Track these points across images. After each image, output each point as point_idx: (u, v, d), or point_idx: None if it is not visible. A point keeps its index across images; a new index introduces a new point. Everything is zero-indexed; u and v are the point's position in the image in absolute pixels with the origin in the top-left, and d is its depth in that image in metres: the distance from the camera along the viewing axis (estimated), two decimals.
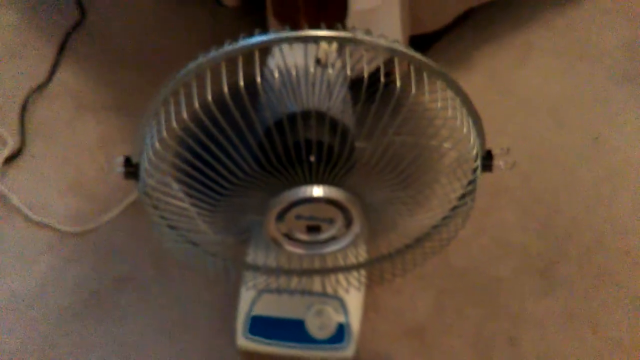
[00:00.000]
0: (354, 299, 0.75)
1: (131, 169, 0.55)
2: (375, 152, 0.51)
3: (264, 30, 0.48)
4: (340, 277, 0.69)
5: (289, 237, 0.57)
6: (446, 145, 0.51)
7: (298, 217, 0.54)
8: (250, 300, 0.75)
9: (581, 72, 1.08)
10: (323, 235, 0.57)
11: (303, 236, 0.57)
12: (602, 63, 1.08)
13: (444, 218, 0.61)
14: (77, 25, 1.15)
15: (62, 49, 1.12)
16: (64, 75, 1.08)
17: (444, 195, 0.56)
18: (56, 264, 0.86)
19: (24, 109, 1.03)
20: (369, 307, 0.79)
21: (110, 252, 0.87)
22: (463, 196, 0.58)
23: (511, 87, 1.07)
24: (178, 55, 1.05)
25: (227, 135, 0.48)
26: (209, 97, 0.46)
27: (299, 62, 0.50)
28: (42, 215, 0.91)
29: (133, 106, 1.02)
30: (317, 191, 0.52)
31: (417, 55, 0.49)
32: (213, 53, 0.47)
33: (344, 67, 0.48)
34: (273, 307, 0.74)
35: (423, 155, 0.52)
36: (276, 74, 0.49)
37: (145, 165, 0.51)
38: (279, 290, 0.72)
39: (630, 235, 0.88)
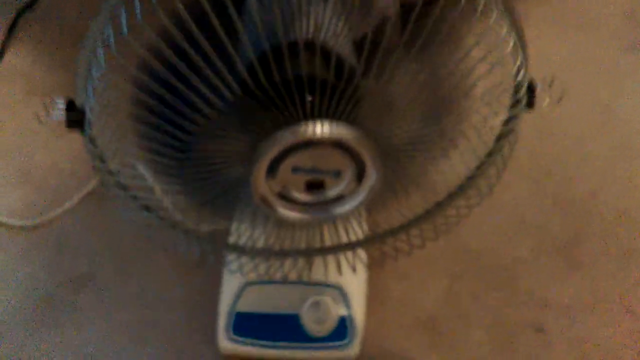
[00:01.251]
0: (356, 288, 0.65)
1: (75, 115, 0.44)
2: (387, 88, 0.41)
3: None
4: (342, 257, 0.58)
5: (283, 197, 0.45)
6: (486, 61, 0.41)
7: (295, 169, 0.43)
8: (234, 294, 0.65)
9: (580, 42, 1.02)
10: (328, 193, 0.45)
11: (302, 195, 0.46)
12: (601, 32, 1.03)
13: (480, 166, 0.51)
14: (29, 5, 1.07)
15: (11, 30, 1.04)
16: (13, 58, 1.01)
17: (485, 131, 0.46)
18: (7, 262, 0.78)
19: None
20: (373, 296, 0.70)
21: (65, 248, 0.79)
22: (500, 137, 0.48)
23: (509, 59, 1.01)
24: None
25: (203, 51, 0.37)
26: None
27: None
28: None
29: None
30: (321, 129, 0.40)
31: None
32: None
33: None
34: (261, 301, 0.64)
35: (455, 78, 0.42)
36: None
37: (92, 105, 0.40)
38: (266, 281, 0.62)
39: None
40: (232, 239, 0.55)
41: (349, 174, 0.45)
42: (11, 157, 0.87)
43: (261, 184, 0.43)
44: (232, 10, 0.35)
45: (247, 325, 0.64)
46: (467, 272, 0.76)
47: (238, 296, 0.64)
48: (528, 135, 0.88)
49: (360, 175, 0.45)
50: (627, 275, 0.76)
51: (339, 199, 0.46)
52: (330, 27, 0.42)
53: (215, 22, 0.35)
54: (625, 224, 0.80)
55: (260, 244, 0.54)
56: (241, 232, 0.53)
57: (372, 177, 0.44)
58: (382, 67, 0.41)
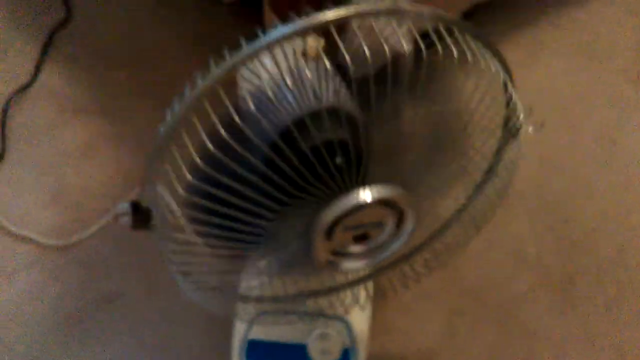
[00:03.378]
0: (360, 321, 0.69)
1: (141, 217, 0.47)
2: (398, 135, 0.46)
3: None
4: (345, 295, 0.63)
5: (336, 253, 0.51)
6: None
7: (346, 228, 0.48)
8: (246, 324, 0.69)
9: (591, 73, 1.04)
10: (377, 240, 0.51)
11: (356, 248, 0.51)
12: (613, 64, 1.05)
13: (470, 198, 0.55)
14: (62, 24, 1.10)
15: (46, 49, 1.07)
16: (47, 76, 1.04)
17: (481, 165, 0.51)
18: (36, 280, 0.82)
19: (5, 112, 0.98)
20: (377, 328, 0.73)
21: (95, 267, 0.83)
22: (490, 169, 0.53)
23: (518, 87, 1.02)
24: (167, 54, 1.02)
25: (251, 169, 0.42)
26: (221, 129, 0.40)
27: (286, 65, 0.44)
28: (22, 227, 0.86)
29: (119, 110, 0.98)
30: (368, 194, 0.46)
31: (462, 22, 0.46)
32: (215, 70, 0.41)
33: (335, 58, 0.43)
34: (272, 330, 0.68)
35: (454, 121, 0.47)
36: (287, 77, 0.43)
37: (162, 217, 0.45)
38: (278, 314, 0.66)
39: None
40: (243, 289, 0.59)
41: (390, 222, 0.50)
42: (45, 177, 0.91)
43: (321, 249, 0.48)
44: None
45: (259, 352, 0.68)
46: (466, 307, 0.78)
47: (251, 325, 0.68)
48: (534, 170, 0.90)
49: (399, 222, 0.50)
50: (620, 315, 0.78)
51: (388, 241, 0.51)
52: (330, 92, 0.47)
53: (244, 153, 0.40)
54: (621, 264, 0.82)
55: (277, 291, 0.59)
56: (259, 282, 0.57)
57: (410, 221, 0.50)
58: (385, 115, 0.46)
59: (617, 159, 0.93)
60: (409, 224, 0.50)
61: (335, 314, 0.68)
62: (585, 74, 1.03)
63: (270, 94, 0.43)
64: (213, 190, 0.43)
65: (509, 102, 0.51)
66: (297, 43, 0.46)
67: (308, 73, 0.45)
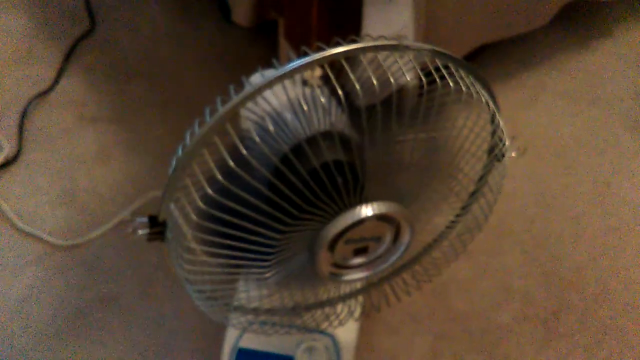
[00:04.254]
0: (347, 337, 0.71)
1: (157, 230, 0.50)
2: (391, 157, 0.49)
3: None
4: (333, 310, 0.66)
5: (337, 265, 0.54)
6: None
7: (348, 241, 0.52)
8: (237, 331, 0.71)
9: (592, 117, 1.07)
10: (377, 252, 0.55)
11: (356, 260, 0.55)
12: (614, 109, 1.08)
13: (457, 216, 0.59)
14: (86, 35, 1.15)
15: (68, 57, 1.11)
16: (68, 84, 1.07)
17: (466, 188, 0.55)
18: (41, 276, 0.84)
19: (24, 115, 1.02)
20: (363, 346, 0.76)
21: (98, 269, 0.85)
22: (475, 191, 0.56)
23: (519, 128, 1.05)
24: (185, 70, 1.06)
25: (257, 193, 0.46)
26: (230, 162, 0.44)
27: (285, 97, 0.48)
28: (32, 225, 0.88)
29: (135, 120, 1.01)
30: (368, 210, 0.50)
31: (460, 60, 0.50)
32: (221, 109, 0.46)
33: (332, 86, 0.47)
34: (261, 340, 0.70)
35: (443, 147, 0.51)
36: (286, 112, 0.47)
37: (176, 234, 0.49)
38: (267, 325, 0.69)
39: (638, 289, 0.85)
40: (236, 301, 0.63)
41: (388, 236, 0.54)
42: (59, 179, 0.94)
43: (324, 261, 0.52)
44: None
45: None
46: (451, 333, 0.80)
47: (241, 334, 0.70)
48: (528, 206, 0.93)
49: (396, 235, 0.54)
50: (600, 351, 0.79)
51: (386, 253, 0.55)
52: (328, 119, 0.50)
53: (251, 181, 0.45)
54: (606, 302, 0.83)
55: (271, 304, 0.62)
56: (250, 294, 0.61)
57: (406, 235, 0.54)
58: (385, 141, 0.49)
59: (609, 202, 0.95)
60: (405, 237, 0.54)
61: (323, 329, 0.70)
62: (585, 118, 1.06)
63: (270, 124, 0.47)
64: (223, 215, 0.47)
65: (495, 130, 0.54)
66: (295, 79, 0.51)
67: (304, 103, 0.48)
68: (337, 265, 0.55)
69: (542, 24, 1.05)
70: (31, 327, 0.80)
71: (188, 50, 1.09)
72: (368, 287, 0.66)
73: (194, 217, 0.47)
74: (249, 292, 0.58)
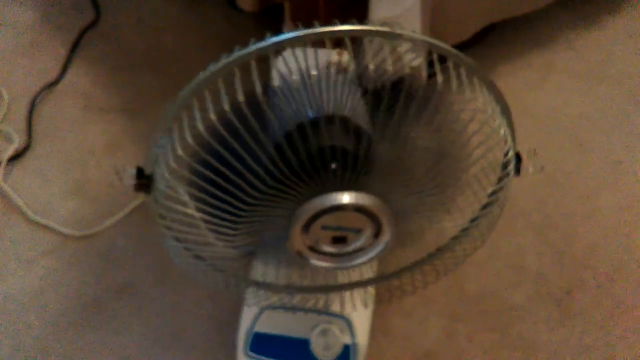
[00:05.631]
0: (362, 320, 0.72)
1: (144, 181, 0.52)
2: (400, 155, 0.49)
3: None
4: (349, 294, 0.66)
5: (313, 249, 0.54)
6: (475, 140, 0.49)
7: (324, 227, 0.51)
8: (253, 315, 0.72)
9: (602, 95, 1.06)
10: (351, 246, 0.54)
11: (329, 248, 0.54)
12: (623, 87, 1.07)
13: (465, 229, 0.58)
14: (91, 26, 1.15)
15: (74, 48, 1.11)
16: (74, 75, 1.08)
17: (475, 201, 0.54)
18: (56, 267, 0.84)
19: (32, 107, 1.02)
20: (377, 329, 0.76)
21: (111, 258, 0.85)
22: (486, 205, 0.55)
23: (529, 108, 1.05)
24: (192, 59, 1.06)
25: (247, 146, 0.46)
26: (225, 107, 0.44)
27: (312, 65, 0.48)
28: (44, 216, 0.89)
29: (142, 110, 1.01)
30: (346, 198, 0.49)
31: (454, 51, 0.48)
32: (224, 60, 0.45)
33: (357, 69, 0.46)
34: (276, 324, 0.71)
35: (450, 158, 0.50)
36: (295, 76, 0.47)
37: (160, 180, 0.49)
38: (283, 308, 0.69)
39: None
40: (256, 276, 0.63)
41: (368, 231, 0.53)
42: (69, 170, 0.94)
43: (297, 240, 0.52)
44: (268, 110, 0.44)
45: (263, 344, 0.71)
46: (465, 314, 0.80)
47: (256, 318, 0.71)
48: (539, 186, 0.92)
49: (377, 232, 0.53)
50: (614, 328, 0.79)
51: (361, 250, 0.55)
52: (348, 103, 0.50)
53: (254, 123, 0.44)
54: (618, 279, 0.83)
55: (283, 281, 0.62)
56: (265, 270, 0.61)
57: (387, 234, 0.53)
58: (395, 134, 0.49)
59: (621, 180, 0.95)
60: (385, 236, 0.53)
61: (338, 311, 0.70)
62: (595, 96, 1.06)
63: (298, 84, 0.47)
64: (203, 170, 0.47)
65: (508, 150, 0.53)
66: (326, 54, 0.50)
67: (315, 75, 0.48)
68: (312, 249, 0.54)
69: (550, 2, 1.04)
70: (47, 318, 0.80)
71: (193, 38, 1.09)
72: (376, 280, 0.66)
73: (172, 164, 0.46)
74: (265, 267, 0.58)
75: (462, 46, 0.98)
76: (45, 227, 0.88)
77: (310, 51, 0.47)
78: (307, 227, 0.51)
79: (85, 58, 1.10)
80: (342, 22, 0.47)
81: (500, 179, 0.55)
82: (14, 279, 0.84)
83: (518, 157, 0.56)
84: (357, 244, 0.54)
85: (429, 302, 0.81)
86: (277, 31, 0.48)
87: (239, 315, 0.73)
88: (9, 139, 0.98)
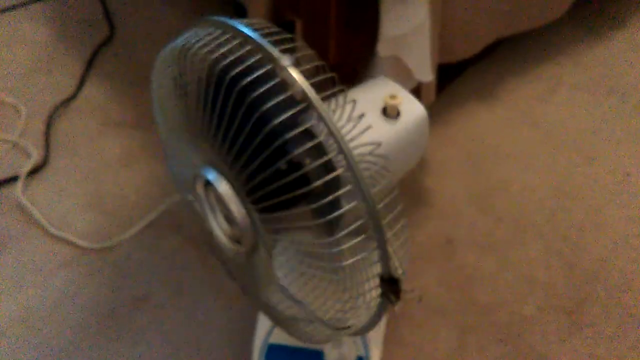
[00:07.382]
0: (375, 332, 0.72)
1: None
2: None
3: None
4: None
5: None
6: None
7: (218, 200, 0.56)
8: (267, 327, 0.73)
9: (609, 108, 1.07)
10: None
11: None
12: (631, 99, 1.08)
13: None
14: (106, 42, 1.18)
15: (90, 64, 1.13)
16: (90, 90, 1.10)
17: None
18: (73, 279, 0.86)
19: (49, 122, 1.04)
20: (389, 340, 0.77)
21: (128, 271, 0.87)
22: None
23: (537, 121, 1.06)
24: None
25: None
26: None
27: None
28: (62, 229, 0.91)
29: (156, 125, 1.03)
30: (223, 187, 0.53)
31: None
32: None
33: None
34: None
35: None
36: None
37: None
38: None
39: None
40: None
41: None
42: (86, 184, 0.96)
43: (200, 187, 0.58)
44: None
45: (278, 356, 0.72)
46: (476, 325, 0.81)
47: (271, 330, 0.73)
48: (548, 199, 0.93)
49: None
50: (625, 339, 0.79)
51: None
52: None
53: None
54: (629, 292, 0.84)
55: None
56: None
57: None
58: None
59: (630, 192, 0.95)
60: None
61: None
62: (602, 109, 1.07)
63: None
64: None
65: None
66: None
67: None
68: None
69: (556, 17, 1.06)
70: (65, 329, 0.81)
71: None
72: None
73: None
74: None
75: (471, 60, 1.00)
76: (63, 240, 0.90)
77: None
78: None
79: (101, 74, 1.12)
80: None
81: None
82: (33, 292, 0.85)
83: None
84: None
85: (440, 314, 0.81)
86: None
87: (253, 326, 0.75)
88: (27, 154, 1.00)
